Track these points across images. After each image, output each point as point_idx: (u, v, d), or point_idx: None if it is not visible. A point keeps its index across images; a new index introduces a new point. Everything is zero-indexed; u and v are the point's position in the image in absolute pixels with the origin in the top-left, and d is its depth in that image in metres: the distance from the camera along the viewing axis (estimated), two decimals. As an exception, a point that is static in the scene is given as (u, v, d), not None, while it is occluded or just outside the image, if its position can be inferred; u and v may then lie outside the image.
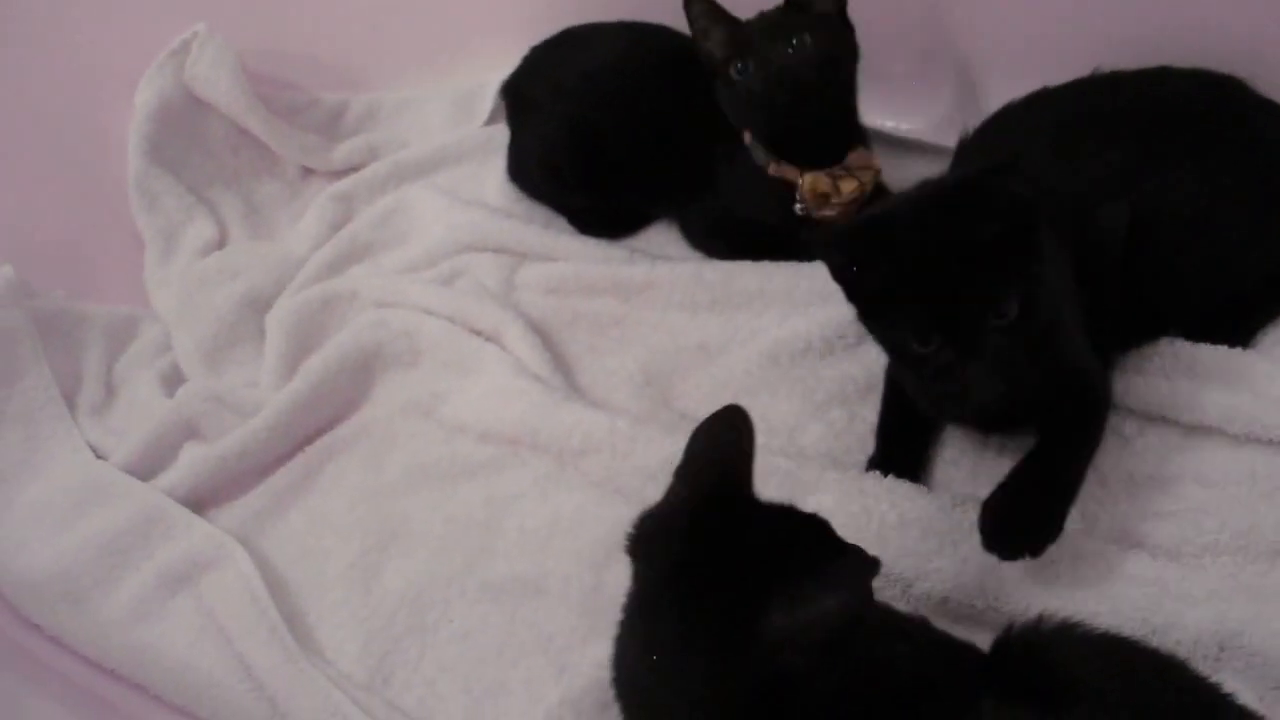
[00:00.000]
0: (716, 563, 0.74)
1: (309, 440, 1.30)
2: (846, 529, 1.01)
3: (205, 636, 1.09)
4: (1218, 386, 1.06)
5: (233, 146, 1.70)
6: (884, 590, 1.01)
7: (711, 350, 1.28)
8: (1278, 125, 1.11)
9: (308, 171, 1.72)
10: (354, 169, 1.67)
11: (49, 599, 1.14)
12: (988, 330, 0.89)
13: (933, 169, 1.24)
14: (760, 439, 1.17)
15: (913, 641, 0.88)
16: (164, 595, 1.13)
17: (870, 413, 1.16)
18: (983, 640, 0.85)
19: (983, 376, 0.90)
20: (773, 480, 1.10)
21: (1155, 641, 0.91)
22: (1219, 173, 1.07)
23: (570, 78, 1.43)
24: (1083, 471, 1.00)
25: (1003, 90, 1.20)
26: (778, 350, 1.23)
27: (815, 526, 0.78)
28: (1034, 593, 0.96)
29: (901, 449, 1.12)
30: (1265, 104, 1.13)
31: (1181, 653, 0.90)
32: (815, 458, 1.16)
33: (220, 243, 1.60)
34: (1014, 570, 0.98)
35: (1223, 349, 1.08)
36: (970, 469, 1.11)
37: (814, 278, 1.27)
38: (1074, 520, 1.04)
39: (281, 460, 1.29)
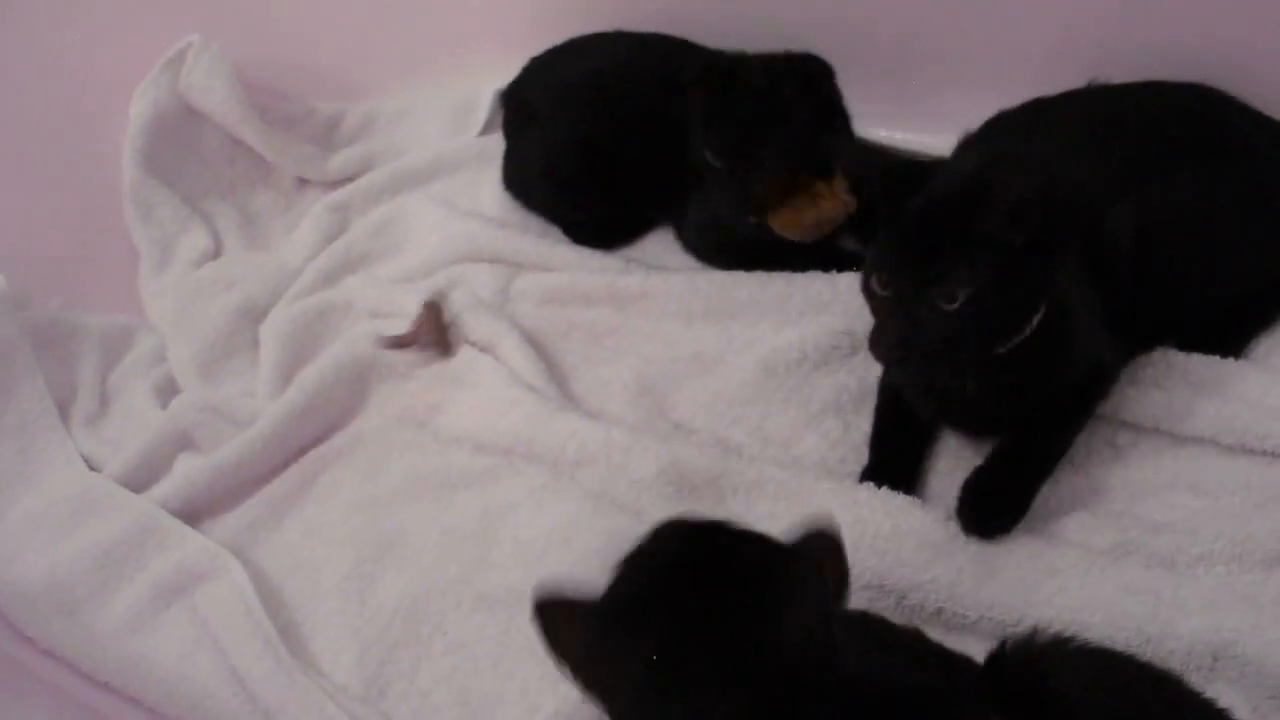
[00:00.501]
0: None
1: (304, 451, 1.30)
2: (842, 537, 1.02)
3: (199, 648, 1.09)
4: (1211, 397, 1.06)
5: (228, 157, 1.70)
6: (878, 601, 1.01)
7: (706, 360, 1.28)
8: (1266, 136, 1.12)
9: (303, 182, 1.72)
10: (349, 179, 1.68)
11: (43, 610, 1.14)
12: (927, 302, 0.91)
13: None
14: (755, 448, 1.18)
15: (908, 654, 0.88)
16: (158, 607, 1.13)
17: (865, 422, 1.16)
18: (977, 651, 0.85)
19: (893, 335, 0.93)
20: (768, 490, 1.11)
21: (1149, 651, 0.91)
22: (1209, 184, 1.07)
23: (573, 87, 1.43)
24: (1053, 460, 1.06)
25: (994, 102, 1.20)
26: (773, 360, 1.23)
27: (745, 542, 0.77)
28: (1028, 603, 0.96)
29: (895, 460, 1.12)
30: (1253, 115, 1.13)
31: (1175, 662, 0.90)
32: (810, 468, 1.16)
33: (215, 253, 1.60)
34: (1008, 581, 0.98)
35: (1216, 359, 1.08)
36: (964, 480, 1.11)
37: (808, 288, 1.27)
38: (1068, 529, 1.04)
39: (276, 471, 1.29)
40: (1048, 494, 1.08)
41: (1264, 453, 1.03)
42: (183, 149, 1.68)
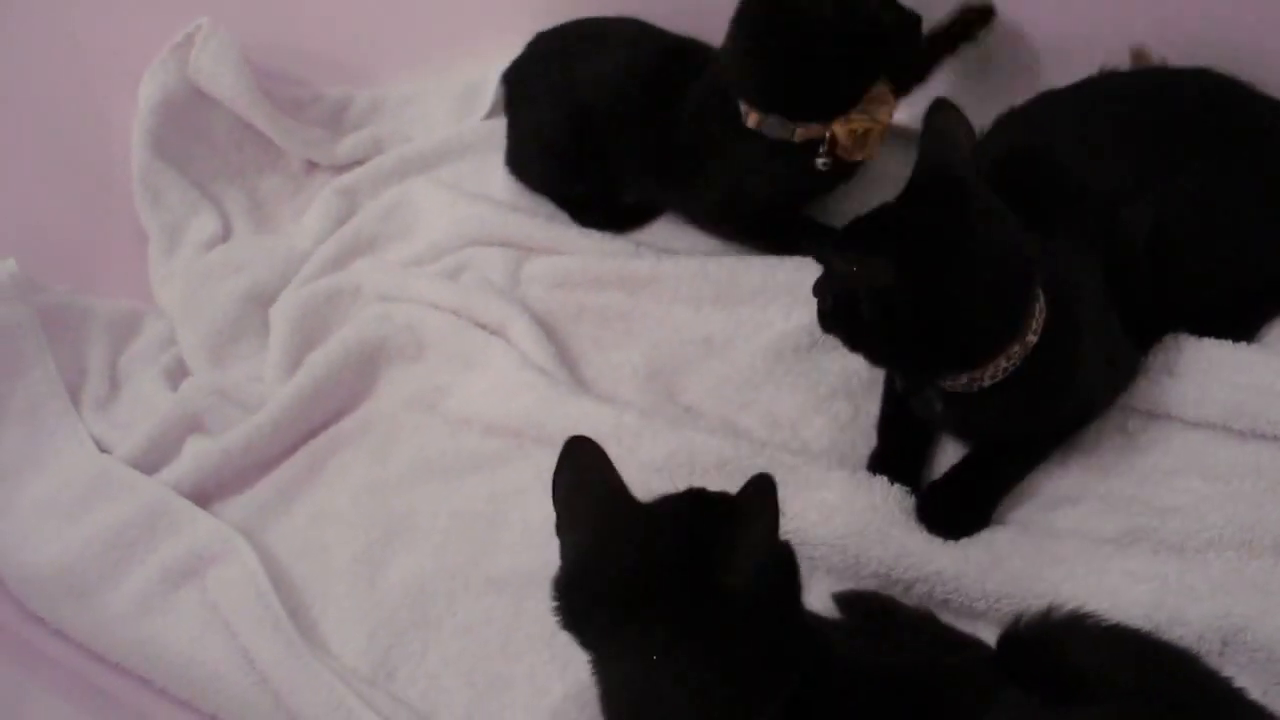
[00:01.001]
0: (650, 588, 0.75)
1: (313, 434, 1.31)
2: (849, 527, 1.02)
3: (209, 630, 1.09)
4: (1223, 382, 1.05)
5: (236, 141, 1.70)
6: (885, 590, 1.02)
7: (716, 344, 1.28)
8: (1278, 121, 1.11)
9: (312, 166, 1.72)
10: (358, 163, 1.67)
11: (54, 593, 1.14)
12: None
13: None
14: (764, 433, 1.18)
15: (921, 636, 0.88)
16: (168, 589, 1.13)
17: (874, 406, 1.16)
18: (987, 637, 0.86)
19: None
20: (777, 473, 1.10)
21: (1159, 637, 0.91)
22: (1224, 170, 1.07)
23: (572, 68, 1.43)
24: (1026, 469, 1.07)
25: (1009, 83, 1.20)
26: (782, 344, 1.23)
27: (699, 503, 0.79)
28: (1035, 593, 0.96)
29: (902, 447, 1.13)
30: (1265, 100, 1.13)
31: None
32: (819, 451, 1.16)
33: (224, 237, 1.60)
34: (1014, 571, 0.98)
35: (1228, 344, 1.08)
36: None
37: (818, 272, 1.27)
38: (1076, 516, 1.04)
39: (286, 454, 1.29)
40: (1056, 479, 1.08)
41: (1275, 438, 1.03)
42: (191, 133, 1.67)
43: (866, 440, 1.14)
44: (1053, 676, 0.76)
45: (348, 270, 1.49)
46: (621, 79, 1.38)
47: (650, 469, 1.12)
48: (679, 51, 1.38)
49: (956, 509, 1.05)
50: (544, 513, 1.14)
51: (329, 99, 1.77)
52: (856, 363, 1.19)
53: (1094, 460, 1.08)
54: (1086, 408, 1.07)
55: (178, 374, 1.43)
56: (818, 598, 0.98)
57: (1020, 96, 1.18)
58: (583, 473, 0.82)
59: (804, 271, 1.28)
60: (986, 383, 0.97)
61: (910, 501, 1.06)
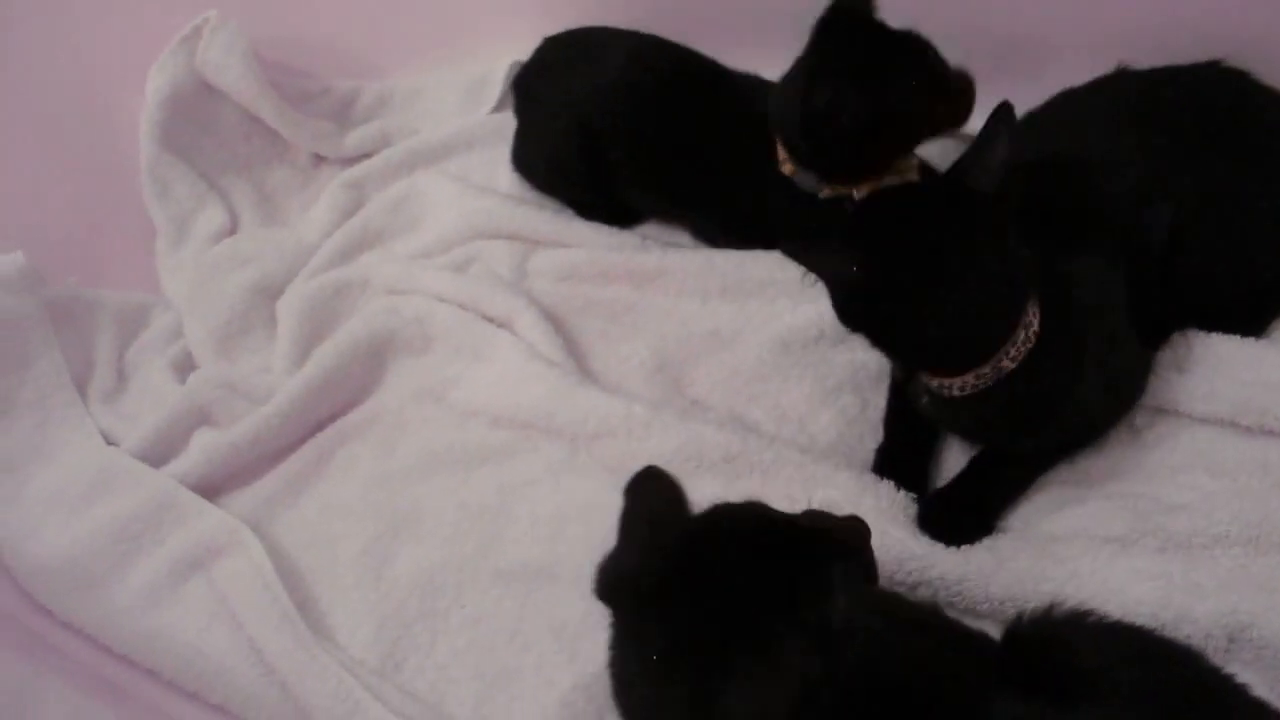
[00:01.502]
0: (701, 591, 0.75)
1: (321, 427, 1.31)
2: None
3: (217, 622, 1.09)
4: (1230, 377, 1.05)
5: (244, 133, 1.70)
6: (888, 592, 1.02)
7: (724, 337, 1.28)
8: None
9: (319, 159, 1.72)
10: (365, 156, 1.67)
11: (61, 585, 1.14)
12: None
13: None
14: (771, 426, 1.18)
15: (923, 632, 0.88)
16: (176, 581, 1.14)
17: (881, 399, 1.16)
18: (992, 632, 0.86)
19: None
20: (783, 473, 1.11)
21: (1166, 635, 0.91)
22: (1236, 165, 1.07)
23: (581, 80, 1.43)
24: (1023, 486, 1.07)
25: (1024, 79, 1.19)
26: (790, 337, 1.23)
27: (785, 526, 0.80)
28: (1041, 592, 0.96)
29: (908, 443, 1.13)
30: (1277, 96, 1.12)
31: (1191, 646, 0.90)
32: (826, 445, 1.16)
33: (232, 230, 1.60)
34: (1018, 572, 0.98)
35: (1236, 339, 1.08)
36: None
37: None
38: (1081, 514, 1.04)
39: (293, 447, 1.29)
40: (1063, 477, 1.08)
41: (1283, 434, 1.03)
42: (199, 126, 1.67)
43: (874, 433, 1.14)
44: (1055, 675, 0.76)
45: (355, 263, 1.49)
46: (631, 94, 1.38)
47: (660, 461, 1.11)
48: (689, 68, 1.38)
49: (959, 519, 1.05)
50: (552, 505, 1.16)
51: (337, 92, 1.77)
52: (864, 356, 1.20)
53: (1101, 457, 1.08)
54: (1090, 422, 1.07)
55: (185, 366, 1.43)
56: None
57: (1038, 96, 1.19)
58: (659, 494, 0.84)
59: (812, 265, 1.28)
60: (956, 394, 0.98)
61: (915, 508, 1.06)
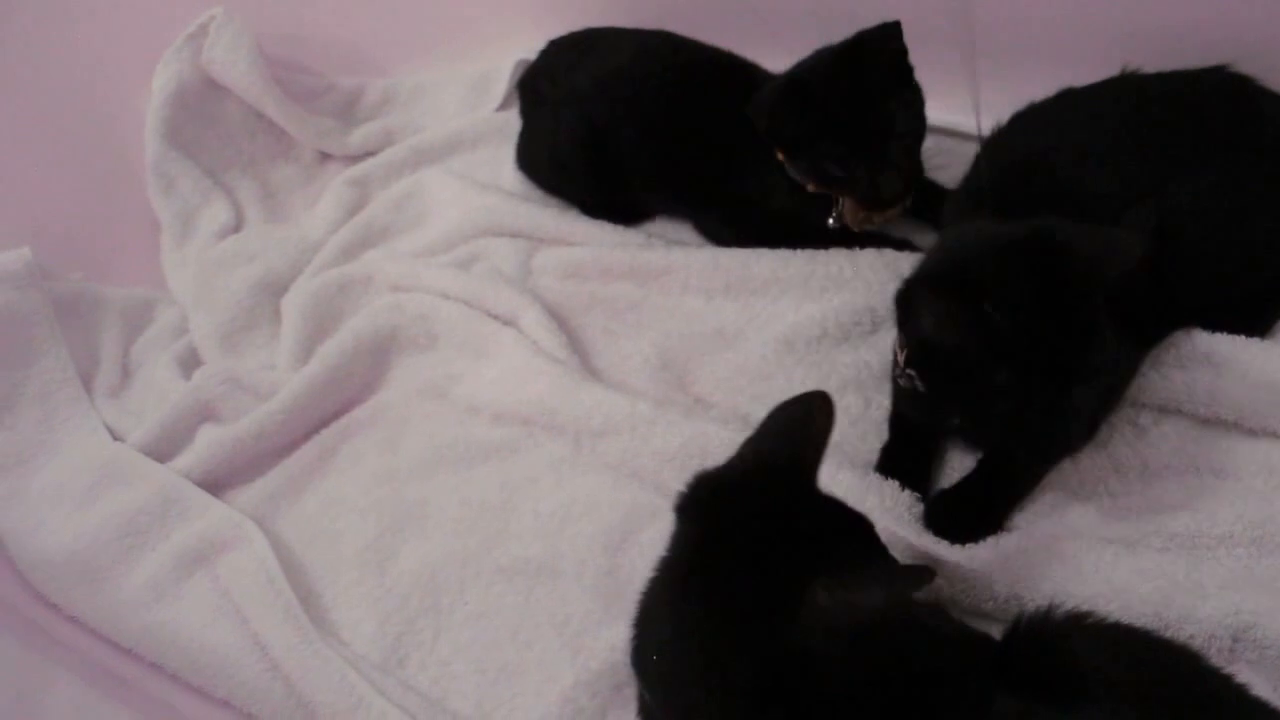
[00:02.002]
0: (764, 536, 0.75)
1: (325, 423, 1.31)
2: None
3: (221, 616, 1.10)
4: (1235, 378, 1.05)
5: (249, 130, 1.70)
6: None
7: (728, 335, 1.28)
8: None
9: (324, 156, 1.72)
10: (370, 153, 1.68)
11: (67, 579, 1.15)
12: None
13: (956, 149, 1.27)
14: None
15: (929, 632, 0.88)
16: (180, 575, 1.14)
17: (885, 398, 1.16)
18: (994, 631, 0.86)
19: (1071, 420, 0.93)
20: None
21: (1168, 635, 0.91)
22: (1239, 168, 1.07)
23: (585, 81, 1.43)
24: (1029, 486, 1.07)
25: (1023, 78, 1.19)
26: (793, 336, 1.23)
27: (866, 527, 0.79)
28: (1044, 591, 0.96)
29: (913, 443, 1.13)
30: (1277, 99, 1.12)
31: (1194, 646, 0.90)
32: (830, 446, 1.15)
33: (237, 226, 1.61)
34: (1021, 571, 0.98)
35: (1240, 339, 1.07)
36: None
37: (830, 264, 1.27)
38: (1085, 514, 1.04)
39: (297, 443, 1.29)
40: (1067, 476, 1.08)
41: (1287, 435, 1.03)
42: (204, 122, 1.68)
43: (878, 433, 1.14)
44: (1055, 675, 0.77)
45: (359, 260, 1.49)
46: (636, 90, 1.38)
47: (663, 458, 1.13)
48: (696, 63, 1.38)
49: (965, 518, 1.05)
50: (555, 502, 1.16)
51: (341, 89, 1.77)
52: (868, 355, 1.20)
53: (1106, 455, 1.08)
54: (1089, 422, 1.06)
55: (190, 362, 1.43)
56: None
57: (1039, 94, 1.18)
58: (801, 416, 0.82)
59: (815, 264, 1.28)
60: None
61: (919, 507, 1.06)
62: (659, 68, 1.39)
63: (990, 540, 1.02)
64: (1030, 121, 1.16)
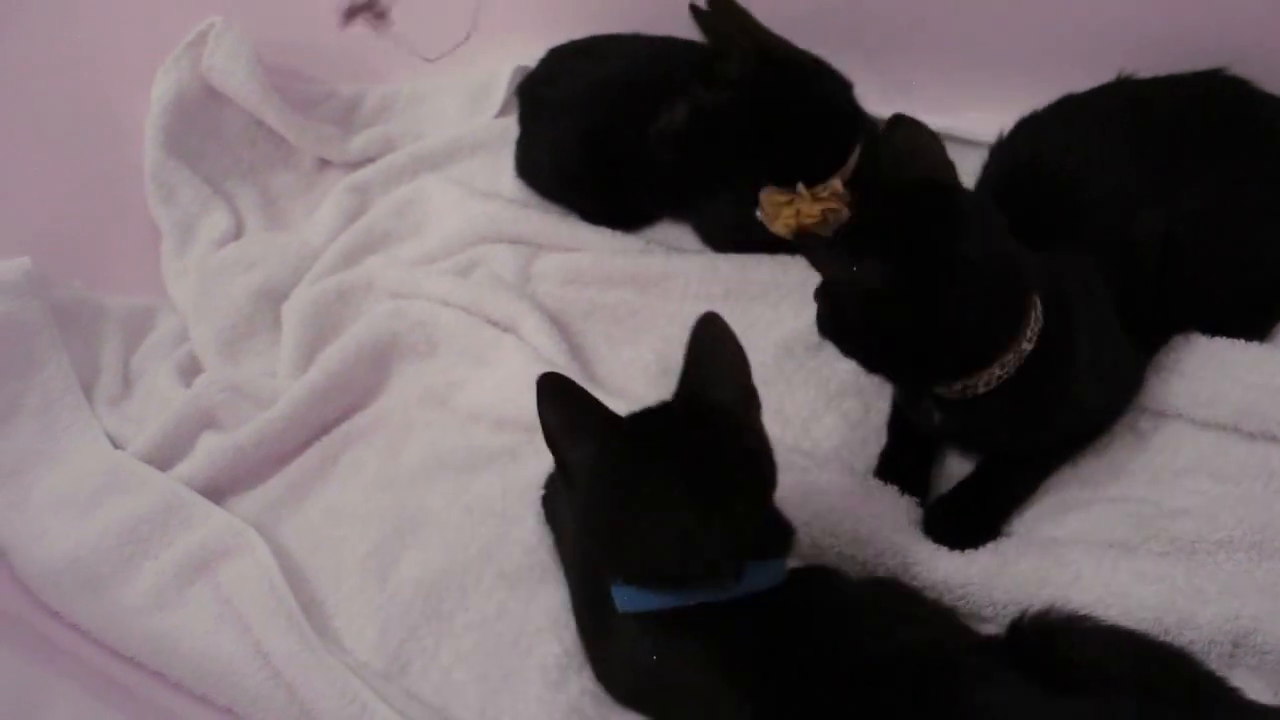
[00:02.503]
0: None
1: (326, 430, 1.31)
2: (858, 533, 1.02)
3: (223, 624, 1.09)
4: (1234, 382, 1.05)
5: (249, 138, 1.71)
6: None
7: (727, 342, 1.28)
8: None
9: (324, 163, 1.73)
10: (370, 160, 1.68)
11: (68, 587, 1.14)
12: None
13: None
14: (775, 430, 1.17)
15: (928, 624, 0.89)
16: (182, 583, 1.14)
17: (885, 403, 1.16)
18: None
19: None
20: (787, 477, 1.10)
21: (1168, 640, 0.91)
22: (1238, 171, 1.08)
23: (585, 86, 1.43)
24: (1033, 486, 1.08)
25: (1027, 84, 1.20)
26: (793, 341, 1.24)
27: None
28: (1044, 596, 0.95)
29: (912, 447, 1.13)
30: (1276, 102, 1.13)
31: (1195, 651, 0.90)
32: (830, 450, 1.16)
33: (237, 234, 1.61)
34: (1021, 577, 0.98)
35: (1239, 343, 1.08)
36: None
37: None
38: (1085, 518, 1.04)
39: (298, 450, 1.29)
40: (1066, 481, 1.08)
41: (1287, 439, 1.03)
42: (204, 131, 1.68)
43: (877, 438, 1.14)
44: (1051, 672, 0.77)
45: (359, 267, 1.49)
46: (635, 94, 1.38)
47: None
48: (695, 68, 1.37)
49: (965, 523, 1.05)
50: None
51: (341, 96, 1.77)
52: (868, 361, 1.20)
53: (1104, 461, 1.08)
54: (1088, 419, 1.07)
55: (191, 370, 1.43)
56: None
57: (1041, 100, 1.19)
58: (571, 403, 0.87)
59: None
60: (981, 390, 0.98)
61: (918, 512, 1.07)
62: (660, 72, 1.39)
63: (989, 545, 1.02)
64: (1033, 128, 1.16)
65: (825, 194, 1.23)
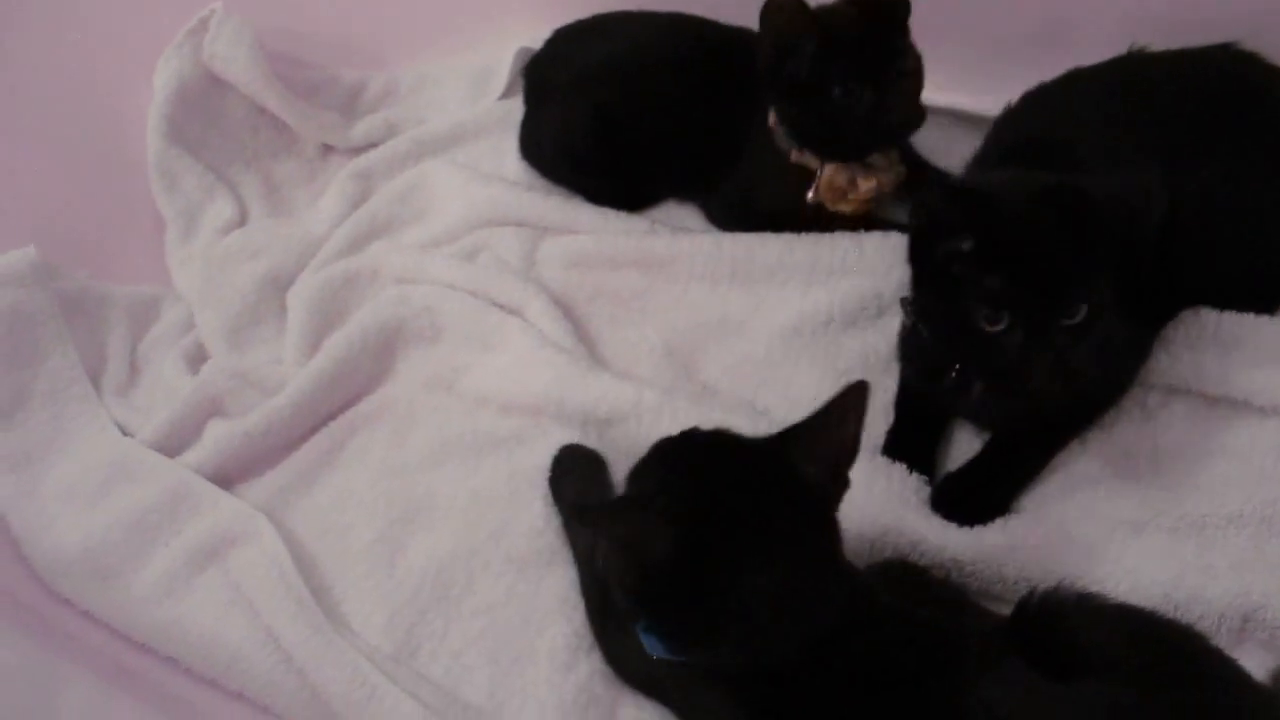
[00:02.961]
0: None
1: (332, 416, 1.31)
2: (865, 511, 1.02)
3: (233, 610, 1.10)
4: (1244, 357, 1.05)
5: (252, 125, 1.70)
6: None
7: (733, 322, 1.28)
8: None
9: (327, 149, 1.72)
10: (373, 146, 1.67)
11: (79, 576, 1.15)
12: (1058, 325, 0.92)
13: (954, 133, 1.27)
14: (782, 411, 1.19)
15: (939, 604, 0.89)
16: (192, 570, 1.14)
17: (892, 383, 1.16)
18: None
19: (1045, 367, 0.92)
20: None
21: (1179, 616, 0.91)
22: (1248, 146, 1.07)
23: (593, 65, 1.43)
24: (1043, 460, 1.07)
25: (1033, 61, 1.19)
26: (800, 322, 1.23)
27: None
28: (1053, 573, 0.96)
29: (919, 426, 1.13)
30: None
31: (1205, 626, 0.90)
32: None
33: (241, 222, 1.60)
34: (1032, 554, 0.99)
35: (1249, 317, 1.08)
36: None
37: (835, 250, 1.27)
38: (1095, 496, 1.04)
39: (305, 437, 1.29)
40: (1075, 458, 1.08)
41: (1296, 413, 1.03)
42: (207, 118, 1.68)
43: (884, 418, 1.14)
44: (1058, 650, 0.78)
45: (364, 253, 1.49)
46: (643, 72, 1.38)
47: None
48: (718, 44, 1.37)
49: (973, 501, 1.05)
50: (564, 491, 1.15)
51: (343, 82, 1.77)
52: (874, 340, 1.20)
53: (1113, 438, 1.08)
54: (1087, 392, 1.06)
55: (197, 358, 1.43)
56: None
57: (1048, 73, 1.18)
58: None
59: (821, 249, 1.28)
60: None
61: (926, 490, 1.07)
62: (669, 48, 1.39)
63: (998, 523, 1.02)
64: (1040, 101, 1.15)
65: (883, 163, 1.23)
